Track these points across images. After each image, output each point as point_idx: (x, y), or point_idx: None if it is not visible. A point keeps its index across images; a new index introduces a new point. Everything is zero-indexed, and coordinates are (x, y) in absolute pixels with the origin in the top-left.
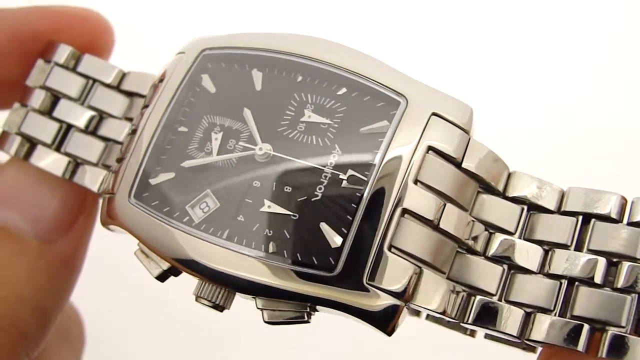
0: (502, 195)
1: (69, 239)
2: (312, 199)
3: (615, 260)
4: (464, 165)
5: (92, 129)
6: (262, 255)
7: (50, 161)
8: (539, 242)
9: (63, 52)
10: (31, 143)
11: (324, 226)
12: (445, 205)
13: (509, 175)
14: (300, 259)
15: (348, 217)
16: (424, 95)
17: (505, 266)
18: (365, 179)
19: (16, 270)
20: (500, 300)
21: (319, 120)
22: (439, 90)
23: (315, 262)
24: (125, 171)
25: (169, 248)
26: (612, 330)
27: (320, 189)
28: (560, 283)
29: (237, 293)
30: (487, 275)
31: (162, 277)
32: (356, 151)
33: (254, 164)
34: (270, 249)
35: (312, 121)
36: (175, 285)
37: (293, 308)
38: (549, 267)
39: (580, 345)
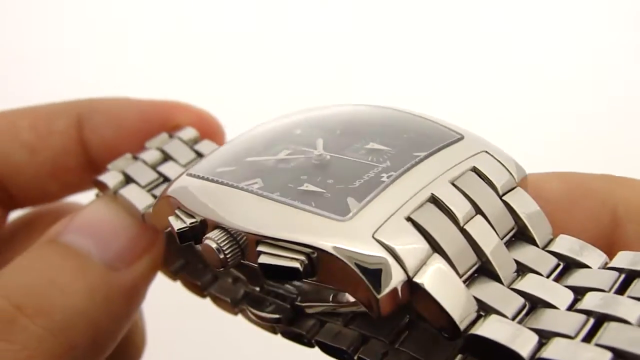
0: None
1: (131, 271)
2: (349, 186)
3: None
4: (504, 198)
5: None
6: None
7: (136, 194)
8: (573, 289)
9: (188, 133)
10: (127, 183)
11: (349, 199)
12: (476, 214)
13: (551, 238)
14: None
15: (374, 191)
16: (481, 140)
17: (529, 303)
18: (400, 173)
19: (77, 284)
20: (515, 322)
21: (380, 148)
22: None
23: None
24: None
25: (198, 199)
26: None
27: (360, 181)
28: (588, 318)
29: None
30: (506, 300)
31: (184, 234)
32: (404, 162)
33: (308, 164)
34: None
35: (373, 148)
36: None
37: (290, 254)
38: (579, 304)
39: None
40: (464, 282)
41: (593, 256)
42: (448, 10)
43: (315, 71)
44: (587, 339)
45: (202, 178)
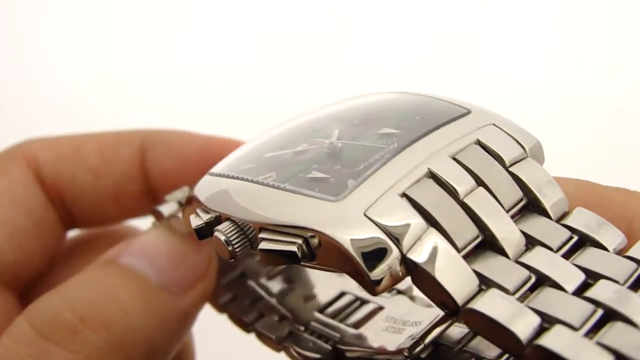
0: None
1: (186, 296)
2: (354, 169)
3: None
4: (511, 169)
5: None
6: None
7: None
8: (584, 270)
9: None
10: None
11: (349, 181)
12: (477, 187)
13: (566, 212)
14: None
15: (370, 170)
16: (489, 113)
17: (535, 277)
18: (398, 150)
19: (136, 303)
20: (516, 299)
21: (391, 131)
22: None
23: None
24: None
25: (213, 196)
26: None
27: (365, 164)
28: (596, 309)
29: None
30: (509, 273)
31: (200, 230)
32: (407, 141)
33: (320, 153)
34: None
35: (385, 132)
36: None
37: (288, 238)
38: (589, 292)
39: None
40: (465, 256)
41: (610, 234)
42: (452, 7)
43: (317, 70)
44: (590, 333)
45: (221, 175)
